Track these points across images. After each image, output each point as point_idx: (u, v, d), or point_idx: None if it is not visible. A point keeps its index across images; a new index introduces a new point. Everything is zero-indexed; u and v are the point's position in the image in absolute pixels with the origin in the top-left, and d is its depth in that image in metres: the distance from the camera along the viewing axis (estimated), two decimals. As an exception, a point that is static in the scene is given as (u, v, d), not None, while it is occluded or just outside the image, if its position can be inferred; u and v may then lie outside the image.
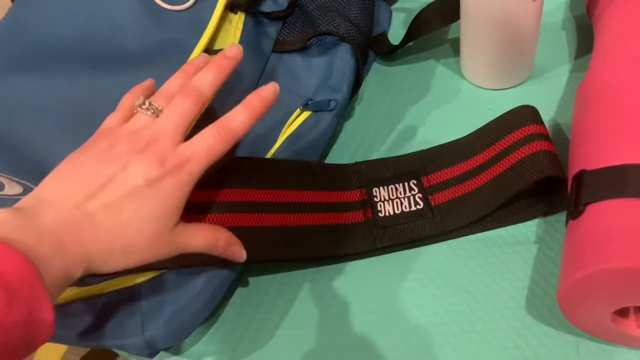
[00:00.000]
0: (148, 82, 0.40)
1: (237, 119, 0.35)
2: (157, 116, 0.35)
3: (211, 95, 0.36)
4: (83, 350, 0.82)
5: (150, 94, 0.38)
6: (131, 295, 0.38)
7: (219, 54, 0.38)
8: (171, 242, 0.33)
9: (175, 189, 0.33)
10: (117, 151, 0.33)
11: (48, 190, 0.32)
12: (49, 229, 0.30)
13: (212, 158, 0.34)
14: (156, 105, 0.36)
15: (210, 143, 0.34)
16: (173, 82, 0.38)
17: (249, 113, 0.35)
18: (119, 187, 0.32)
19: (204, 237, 0.35)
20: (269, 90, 0.37)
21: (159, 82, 0.43)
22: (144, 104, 0.36)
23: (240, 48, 0.39)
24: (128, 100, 0.38)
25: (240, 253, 0.37)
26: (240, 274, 0.43)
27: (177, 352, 0.40)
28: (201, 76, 0.36)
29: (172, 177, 0.33)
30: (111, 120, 0.37)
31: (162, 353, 0.40)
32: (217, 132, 0.34)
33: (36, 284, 0.27)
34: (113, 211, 0.32)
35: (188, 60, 0.44)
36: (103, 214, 0.31)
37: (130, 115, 0.37)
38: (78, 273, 0.31)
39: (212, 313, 0.41)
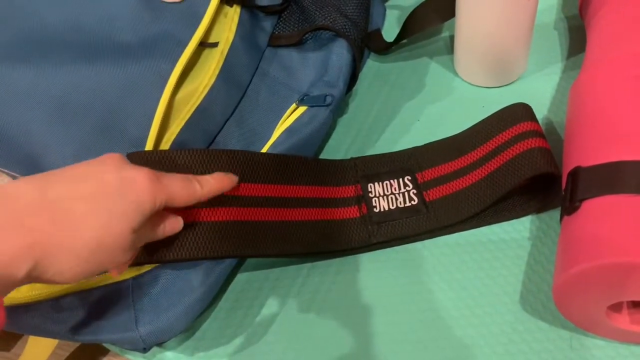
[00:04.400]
0: None
1: (207, 180, 0.35)
2: None
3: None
4: (73, 346, 0.80)
5: None
6: (125, 290, 0.38)
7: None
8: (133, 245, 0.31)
9: (150, 193, 0.30)
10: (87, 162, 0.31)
11: (11, 182, 0.30)
12: None
13: (182, 191, 0.33)
14: None
15: (183, 183, 0.33)
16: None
17: (218, 181, 0.35)
18: (90, 181, 0.29)
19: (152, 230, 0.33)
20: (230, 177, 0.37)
21: (153, 73, 0.43)
22: None
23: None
24: None
25: (176, 224, 0.35)
26: (234, 269, 0.42)
27: (171, 348, 0.40)
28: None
29: (147, 181, 0.30)
30: None
31: (155, 348, 0.40)
32: (189, 179, 0.34)
33: None
34: (82, 203, 0.28)
35: (183, 54, 0.44)
36: (70, 205, 0.28)
37: None
38: (21, 268, 0.26)
39: (206, 308, 0.40)
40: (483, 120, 0.44)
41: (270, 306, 0.41)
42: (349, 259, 0.42)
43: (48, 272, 0.28)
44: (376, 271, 0.41)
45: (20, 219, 0.27)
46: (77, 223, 0.28)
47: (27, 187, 0.28)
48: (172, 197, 0.32)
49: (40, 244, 0.27)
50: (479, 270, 0.40)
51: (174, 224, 0.35)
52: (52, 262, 0.27)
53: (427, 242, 0.42)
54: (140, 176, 0.30)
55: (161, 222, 0.34)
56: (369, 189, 0.44)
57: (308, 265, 0.42)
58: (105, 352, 0.79)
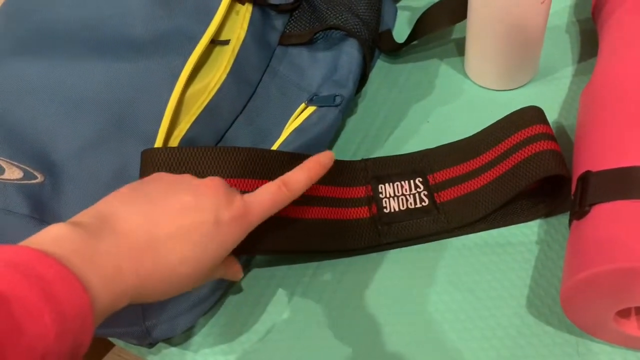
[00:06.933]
0: None
1: (298, 180, 0.36)
2: None
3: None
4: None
5: None
6: (132, 284, 0.38)
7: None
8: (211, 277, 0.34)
9: (235, 236, 0.33)
10: (189, 181, 0.33)
11: (111, 206, 0.30)
12: (110, 253, 0.28)
13: (271, 211, 0.35)
14: None
15: (274, 198, 0.35)
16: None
17: (308, 176, 0.37)
18: (189, 217, 0.31)
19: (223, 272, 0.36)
20: (327, 157, 0.38)
21: (164, 69, 0.43)
22: None
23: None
24: None
25: (239, 273, 0.38)
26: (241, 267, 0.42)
27: (176, 344, 0.40)
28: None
29: (236, 224, 0.32)
30: None
31: (160, 344, 0.40)
32: (280, 188, 0.35)
33: (88, 318, 0.25)
34: (179, 244, 0.30)
35: (194, 50, 0.44)
36: (170, 244, 0.30)
37: None
38: (124, 303, 0.29)
39: (213, 305, 0.40)
40: (495, 122, 0.44)
41: (276, 304, 0.41)
42: (357, 258, 0.42)
43: (145, 300, 0.30)
44: (384, 272, 0.41)
45: (128, 261, 0.29)
46: (172, 269, 0.30)
47: (137, 223, 0.30)
48: (261, 218, 0.34)
49: (140, 287, 0.29)
50: (486, 273, 0.40)
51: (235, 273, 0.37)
52: (143, 299, 0.30)
53: (435, 244, 0.42)
54: (233, 222, 0.32)
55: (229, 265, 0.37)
56: (380, 190, 0.44)
57: (315, 264, 0.42)
58: (110, 346, 0.78)
